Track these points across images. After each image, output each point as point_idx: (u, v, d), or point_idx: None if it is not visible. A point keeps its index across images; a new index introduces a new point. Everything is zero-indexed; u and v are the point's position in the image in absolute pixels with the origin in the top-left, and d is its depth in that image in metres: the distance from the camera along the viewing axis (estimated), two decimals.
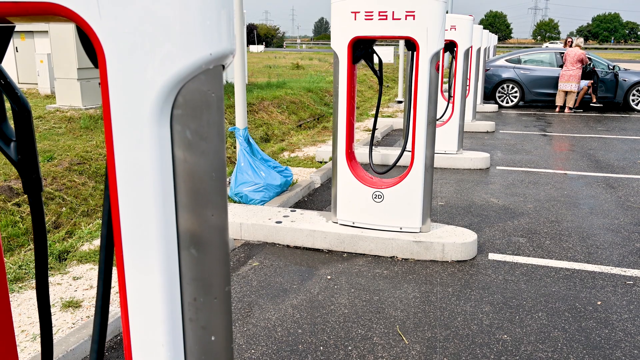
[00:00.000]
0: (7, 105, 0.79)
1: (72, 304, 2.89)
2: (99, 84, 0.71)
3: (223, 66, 0.66)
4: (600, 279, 3.39)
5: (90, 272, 3.29)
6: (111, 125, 0.63)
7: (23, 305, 2.87)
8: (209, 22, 0.61)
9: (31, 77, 9.80)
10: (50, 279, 3.19)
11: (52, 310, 2.83)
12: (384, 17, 3.50)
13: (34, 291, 2.97)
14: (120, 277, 0.68)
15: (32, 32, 9.77)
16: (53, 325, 2.68)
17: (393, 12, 3.48)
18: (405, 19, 3.47)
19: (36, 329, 2.65)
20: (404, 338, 2.72)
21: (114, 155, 0.64)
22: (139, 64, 0.60)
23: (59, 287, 3.11)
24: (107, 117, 0.63)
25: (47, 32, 8.95)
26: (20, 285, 3.09)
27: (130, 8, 0.59)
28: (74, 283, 3.16)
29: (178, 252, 0.67)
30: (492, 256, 3.74)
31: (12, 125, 0.78)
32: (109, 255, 0.74)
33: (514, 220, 4.50)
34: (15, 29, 0.79)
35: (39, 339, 2.53)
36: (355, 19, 3.57)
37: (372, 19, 3.53)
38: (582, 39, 11.23)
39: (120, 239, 0.66)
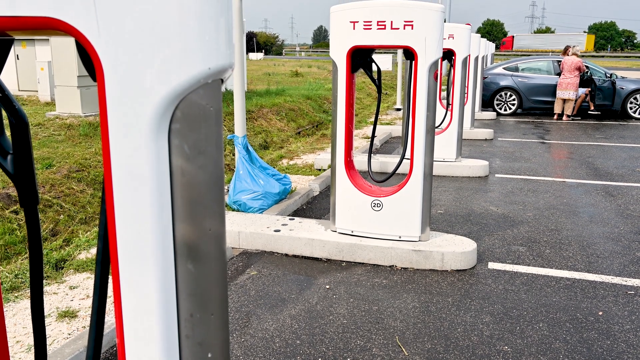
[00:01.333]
0: (4, 114, 0.78)
1: (68, 314, 2.86)
2: None
3: (222, 80, 0.66)
4: (601, 289, 3.38)
5: (87, 282, 3.27)
6: (109, 140, 0.62)
7: (18, 315, 2.84)
8: (207, 36, 0.61)
9: (31, 85, 9.82)
10: (47, 288, 3.16)
11: (48, 320, 2.80)
12: (383, 27, 3.52)
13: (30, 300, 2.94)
14: (115, 292, 0.67)
15: (33, 40, 9.80)
16: (48, 335, 2.65)
17: (391, 21, 3.50)
18: (404, 28, 3.49)
19: (31, 340, 2.62)
20: (403, 349, 2.69)
21: (111, 169, 0.63)
22: (137, 79, 0.60)
23: (55, 296, 3.08)
24: (105, 131, 0.62)
25: (48, 40, 8.98)
26: (16, 294, 3.06)
27: (128, 23, 0.58)
28: (70, 292, 3.13)
29: (175, 267, 0.66)
30: (492, 265, 3.73)
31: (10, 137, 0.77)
32: (104, 271, 0.73)
33: (513, 229, 4.49)
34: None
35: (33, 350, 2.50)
36: (354, 29, 3.58)
37: (370, 29, 3.55)
38: (578, 47, 11.31)
39: (117, 254, 0.65)
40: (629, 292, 3.33)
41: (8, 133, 0.77)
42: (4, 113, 0.78)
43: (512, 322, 2.96)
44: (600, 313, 3.06)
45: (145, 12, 0.58)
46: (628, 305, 3.16)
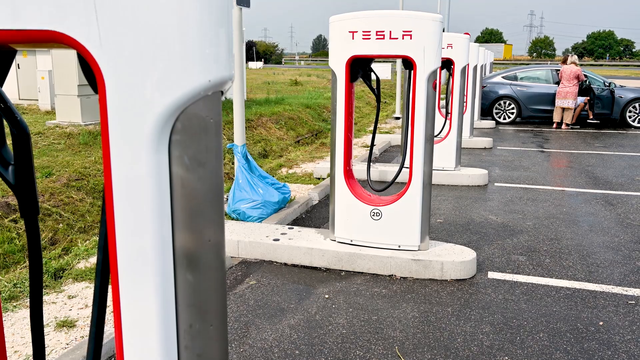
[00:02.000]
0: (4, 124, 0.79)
1: (67, 324, 2.84)
2: None
3: (222, 92, 0.67)
4: (601, 299, 3.36)
5: (85, 291, 3.25)
6: (109, 150, 0.63)
7: (17, 325, 2.83)
8: (207, 49, 0.61)
9: (32, 94, 9.86)
10: (45, 297, 3.15)
11: (46, 330, 2.78)
12: (382, 37, 3.54)
13: (29, 310, 2.93)
14: (115, 303, 0.67)
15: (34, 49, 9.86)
16: (46, 345, 2.63)
17: (390, 31, 3.53)
18: (402, 38, 3.52)
19: (30, 350, 2.60)
20: None
21: (111, 179, 0.63)
22: (137, 91, 0.60)
23: (54, 306, 3.06)
24: (105, 142, 0.63)
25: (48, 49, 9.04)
26: (14, 304, 3.05)
27: (130, 36, 0.59)
28: (69, 302, 3.11)
29: (174, 277, 0.66)
30: (492, 275, 3.72)
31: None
32: (104, 281, 0.73)
33: (513, 238, 4.48)
34: None
35: None
36: (353, 39, 3.61)
37: (369, 39, 3.57)
38: (576, 56, 11.39)
39: (116, 264, 0.65)
40: (630, 302, 3.32)
41: (9, 141, 0.78)
42: (5, 123, 0.78)
43: (512, 332, 2.94)
44: (601, 323, 3.05)
45: (146, 25, 0.59)
46: (629, 315, 3.15)
